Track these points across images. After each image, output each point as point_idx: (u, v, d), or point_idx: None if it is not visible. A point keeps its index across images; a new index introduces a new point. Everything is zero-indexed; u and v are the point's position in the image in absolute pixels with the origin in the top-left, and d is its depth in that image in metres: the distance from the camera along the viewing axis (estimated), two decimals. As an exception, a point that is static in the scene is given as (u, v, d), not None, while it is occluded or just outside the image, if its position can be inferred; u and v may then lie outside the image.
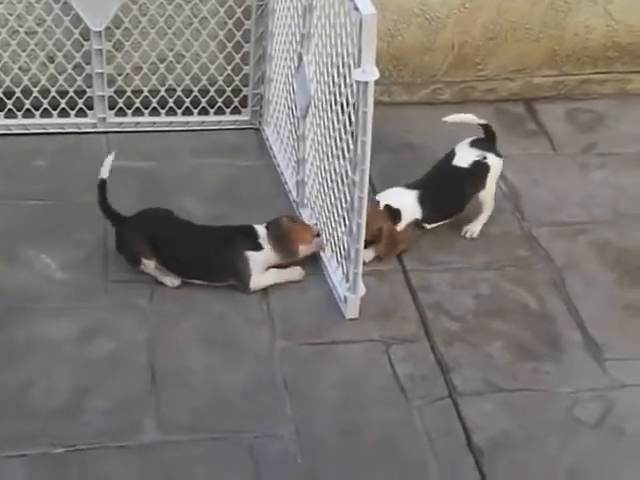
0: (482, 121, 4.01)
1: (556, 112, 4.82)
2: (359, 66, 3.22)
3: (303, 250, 3.78)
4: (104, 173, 3.74)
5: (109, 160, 3.75)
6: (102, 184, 3.75)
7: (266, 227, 3.75)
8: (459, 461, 3.23)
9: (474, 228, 4.06)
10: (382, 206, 3.86)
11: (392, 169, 4.35)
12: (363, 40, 3.17)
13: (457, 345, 3.60)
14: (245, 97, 4.52)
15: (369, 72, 3.21)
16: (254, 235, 3.73)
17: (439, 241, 4.01)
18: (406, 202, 3.90)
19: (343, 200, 3.59)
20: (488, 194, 4.02)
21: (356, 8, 3.19)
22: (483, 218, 4.06)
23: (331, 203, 3.73)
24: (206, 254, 3.71)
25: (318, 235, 3.83)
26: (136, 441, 3.19)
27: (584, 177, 4.46)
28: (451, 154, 3.99)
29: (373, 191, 4.21)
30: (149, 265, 3.69)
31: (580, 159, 4.56)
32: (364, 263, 3.85)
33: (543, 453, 3.25)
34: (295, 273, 3.79)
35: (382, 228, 3.82)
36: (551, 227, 4.17)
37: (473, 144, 3.99)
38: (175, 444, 3.19)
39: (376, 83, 4.60)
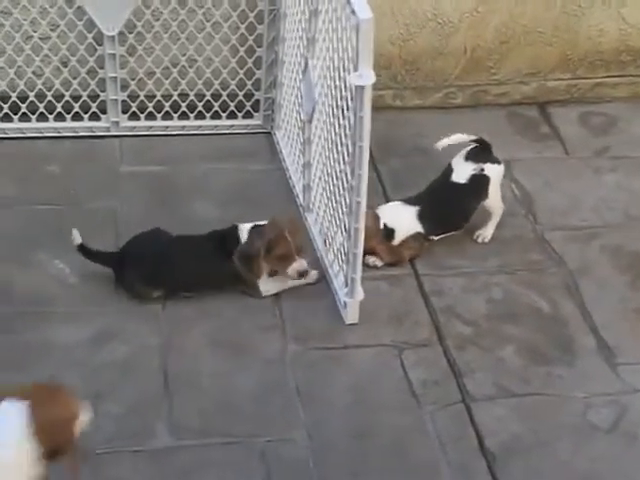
0: (472, 137, 3.99)
1: (569, 115, 4.81)
2: (356, 70, 3.22)
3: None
4: (77, 239, 3.65)
5: (75, 231, 3.66)
6: (81, 248, 3.66)
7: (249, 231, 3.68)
8: (471, 466, 3.23)
9: (486, 232, 4.06)
10: (381, 224, 3.85)
11: (404, 173, 4.35)
12: (360, 44, 3.17)
13: (469, 349, 3.60)
14: (257, 101, 4.52)
15: (366, 76, 3.21)
16: (237, 240, 3.67)
17: (451, 245, 4.00)
18: (404, 218, 3.90)
19: (344, 205, 3.59)
20: (493, 201, 4.01)
21: (353, 12, 3.20)
22: (493, 222, 4.06)
23: (333, 208, 3.73)
24: (204, 271, 3.67)
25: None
26: (149, 446, 3.20)
27: (597, 181, 4.44)
28: (448, 170, 3.98)
29: (385, 195, 4.22)
30: (160, 293, 3.68)
31: (593, 162, 4.55)
32: (376, 267, 3.87)
33: (556, 458, 3.25)
34: (309, 276, 3.79)
35: (376, 248, 3.83)
36: (564, 231, 4.16)
37: (468, 157, 3.96)
38: (187, 448, 3.20)
39: (388, 87, 4.71)
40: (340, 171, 3.59)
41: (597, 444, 3.30)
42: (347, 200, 3.54)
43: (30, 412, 2.32)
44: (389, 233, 3.87)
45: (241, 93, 4.51)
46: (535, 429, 3.33)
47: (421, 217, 3.91)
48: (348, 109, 3.39)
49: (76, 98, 4.42)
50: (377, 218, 3.86)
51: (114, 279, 3.70)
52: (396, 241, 3.88)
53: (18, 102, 4.41)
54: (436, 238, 3.96)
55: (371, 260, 3.85)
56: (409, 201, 3.97)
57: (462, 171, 3.95)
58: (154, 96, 4.46)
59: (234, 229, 3.70)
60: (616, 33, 4.77)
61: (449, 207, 3.95)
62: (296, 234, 3.71)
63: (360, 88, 3.23)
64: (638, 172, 4.48)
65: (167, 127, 4.51)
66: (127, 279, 3.67)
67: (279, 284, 3.74)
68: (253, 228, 3.67)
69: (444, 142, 3.97)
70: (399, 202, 3.98)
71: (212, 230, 3.75)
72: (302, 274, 3.69)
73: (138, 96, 4.44)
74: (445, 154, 4.08)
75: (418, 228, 3.90)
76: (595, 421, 3.36)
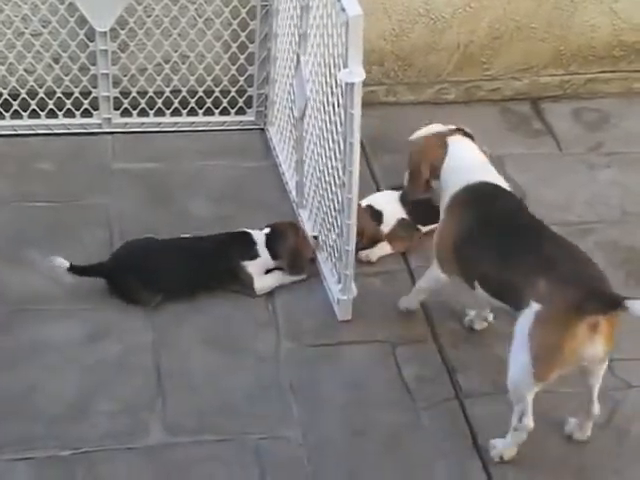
0: (451, 127, 3.99)
1: (562, 111, 4.81)
2: (346, 67, 3.22)
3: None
4: (65, 263, 3.56)
5: (59, 259, 3.59)
6: (72, 269, 3.58)
7: (268, 235, 3.73)
8: (466, 462, 3.23)
9: (479, 228, 4.05)
10: (364, 206, 3.86)
11: (397, 169, 4.32)
12: (350, 41, 3.18)
13: (463, 346, 3.59)
14: (250, 98, 4.51)
15: (356, 73, 3.21)
16: (250, 243, 3.71)
17: (445, 241, 3.99)
18: (392, 202, 3.92)
19: (336, 201, 3.59)
20: None
21: (343, 9, 3.20)
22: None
23: (325, 204, 3.73)
24: (203, 271, 3.67)
25: (316, 238, 3.84)
26: (142, 443, 3.19)
27: (591, 176, 4.44)
28: None
29: (378, 191, 4.21)
30: (157, 299, 3.66)
31: (586, 158, 4.54)
32: (370, 262, 3.87)
33: (549, 453, 3.25)
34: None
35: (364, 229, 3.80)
36: (558, 227, 4.08)
37: None
38: (181, 446, 3.20)
39: (381, 83, 4.71)
40: (332, 167, 3.59)
41: (590, 440, 3.29)
42: (339, 196, 3.53)
43: None
44: (377, 216, 3.88)
45: (234, 89, 4.50)
46: (529, 425, 3.34)
47: (404, 203, 3.93)
48: (339, 106, 3.39)
49: (68, 95, 4.41)
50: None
51: (108, 288, 3.66)
52: (385, 225, 3.89)
53: (10, 99, 4.39)
54: (424, 229, 3.95)
55: (364, 255, 3.85)
56: (394, 188, 3.99)
57: None
58: (146, 92, 4.44)
59: (246, 234, 3.73)
60: (609, 28, 4.77)
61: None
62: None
63: (350, 85, 3.23)
64: (632, 167, 4.49)
65: (159, 124, 4.50)
66: (125, 287, 3.63)
67: (273, 279, 3.74)
68: (269, 235, 3.73)
69: (418, 134, 3.98)
70: (386, 190, 4.04)
71: (215, 233, 3.75)
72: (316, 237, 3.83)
73: (130, 93, 4.43)
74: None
75: (402, 214, 3.90)
76: (589, 417, 3.36)
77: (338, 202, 3.56)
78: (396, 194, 3.96)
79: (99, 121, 4.45)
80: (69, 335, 3.51)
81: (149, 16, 4.33)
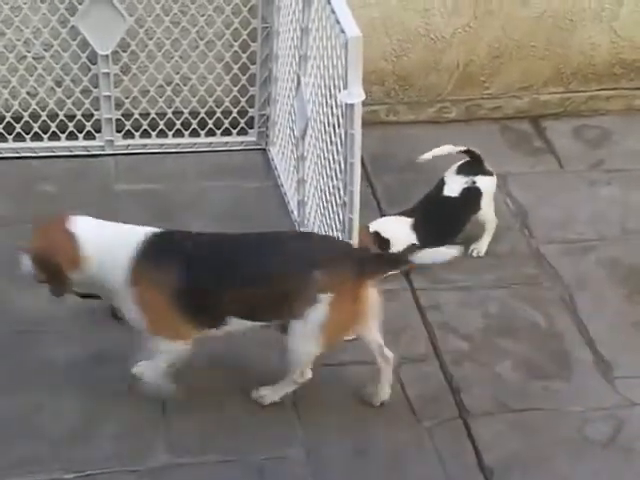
0: (461, 148, 4.01)
1: (563, 129, 4.82)
2: (346, 88, 3.24)
3: None
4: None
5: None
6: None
7: None
8: (470, 481, 3.23)
9: (480, 246, 4.06)
10: (371, 232, 3.86)
11: (398, 188, 4.35)
12: (349, 62, 3.20)
13: (466, 365, 3.60)
14: (251, 118, 4.53)
15: (355, 94, 3.23)
16: None
17: (447, 260, 4.00)
18: (400, 230, 3.92)
19: (337, 221, 3.60)
20: (486, 214, 4.03)
21: (342, 30, 3.22)
22: (487, 236, 4.07)
23: (327, 224, 3.74)
24: None
25: None
26: (146, 465, 3.19)
27: (592, 194, 4.45)
28: (441, 183, 4.01)
29: (379, 210, 4.23)
30: None
31: (587, 176, 4.56)
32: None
33: (553, 472, 3.25)
34: None
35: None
36: (559, 244, 4.16)
37: (460, 170, 4.00)
38: (185, 467, 3.20)
39: (382, 103, 4.73)
40: (333, 187, 3.60)
41: (594, 458, 3.30)
42: (341, 216, 3.55)
43: None
44: (384, 243, 3.87)
45: (235, 110, 4.52)
46: (533, 444, 3.33)
47: (415, 229, 3.92)
48: (339, 126, 3.41)
49: (70, 117, 4.43)
50: (367, 229, 3.86)
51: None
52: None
53: (12, 122, 4.41)
54: None
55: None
56: (403, 214, 3.98)
57: (454, 185, 3.97)
58: (148, 114, 4.46)
59: None
60: (608, 46, 4.79)
61: (442, 221, 3.96)
62: None
63: (350, 106, 3.25)
64: (633, 185, 4.50)
65: (162, 145, 4.52)
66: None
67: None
68: None
69: (428, 155, 4.01)
70: (393, 216, 4.00)
71: None
72: None
73: (132, 114, 4.45)
74: (440, 168, 4.09)
75: (413, 239, 3.91)
76: (592, 435, 3.36)
77: (340, 222, 3.57)
78: (409, 220, 3.93)
79: (101, 143, 4.47)
80: (72, 356, 3.52)
81: (150, 39, 4.35)
